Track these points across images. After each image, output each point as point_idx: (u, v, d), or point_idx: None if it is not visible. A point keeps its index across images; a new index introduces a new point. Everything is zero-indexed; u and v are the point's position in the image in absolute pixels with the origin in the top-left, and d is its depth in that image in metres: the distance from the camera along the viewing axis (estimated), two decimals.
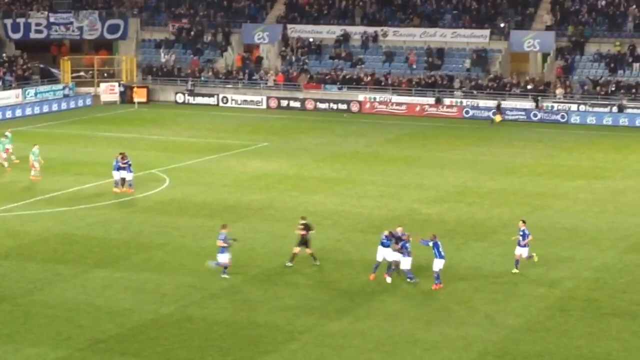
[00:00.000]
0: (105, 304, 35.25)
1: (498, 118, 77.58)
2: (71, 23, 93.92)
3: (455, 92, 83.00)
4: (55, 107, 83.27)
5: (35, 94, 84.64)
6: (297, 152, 65.01)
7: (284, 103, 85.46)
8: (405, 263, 37.37)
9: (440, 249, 37.16)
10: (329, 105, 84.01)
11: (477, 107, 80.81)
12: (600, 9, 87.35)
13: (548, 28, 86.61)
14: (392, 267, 37.71)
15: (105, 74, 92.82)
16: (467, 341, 31.97)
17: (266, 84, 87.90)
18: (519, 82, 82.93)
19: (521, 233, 38.99)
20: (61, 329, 32.77)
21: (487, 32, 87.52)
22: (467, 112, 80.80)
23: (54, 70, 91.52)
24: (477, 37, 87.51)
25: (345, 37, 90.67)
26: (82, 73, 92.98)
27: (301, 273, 38.89)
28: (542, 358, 30.79)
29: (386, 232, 38.09)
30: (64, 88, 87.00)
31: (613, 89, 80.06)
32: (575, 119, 78.39)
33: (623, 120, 77.51)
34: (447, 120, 79.56)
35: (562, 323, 33.68)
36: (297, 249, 39.49)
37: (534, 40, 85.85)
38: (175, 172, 58.02)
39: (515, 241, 39.43)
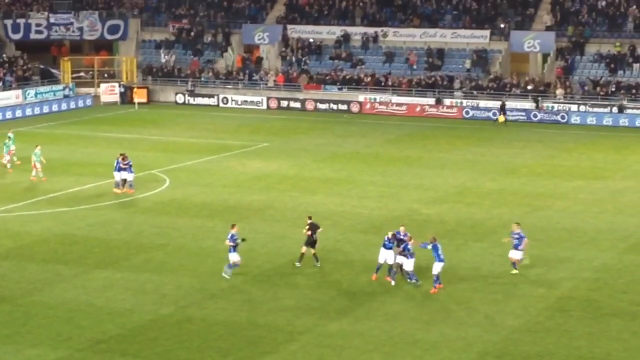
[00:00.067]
0: (106, 304, 35.29)
1: (501, 118, 77.48)
2: (71, 23, 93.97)
3: (455, 93, 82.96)
4: (55, 108, 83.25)
5: (36, 94, 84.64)
6: (297, 152, 64.99)
7: (284, 103, 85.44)
8: (409, 264, 37.28)
9: (440, 252, 36.91)
10: (329, 106, 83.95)
11: (477, 108, 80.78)
12: (600, 10, 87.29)
13: (548, 28, 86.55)
14: (394, 270, 37.66)
15: (106, 75, 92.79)
16: (466, 342, 31.99)
17: (266, 84, 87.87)
18: (519, 82, 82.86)
19: (516, 236, 38.81)
20: (61, 329, 32.81)
21: (487, 32, 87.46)
22: (467, 113, 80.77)
23: (54, 70, 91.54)
24: (477, 38, 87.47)
25: (346, 37, 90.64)
26: (82, 74, 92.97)
27: (301, 273, 38.90)
28: (541, 358, 30.80)
29: (389, 234, 37.97)
30: (64, 89, 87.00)
31: (613, 89, 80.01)
32: (575, 120, 78.34)
33: (623, 121, 77.45)
34: (447, 120, 79.53)
35: (561, 323, 33.69)
36: (304, 249, 39.56)
37: (534, 41, 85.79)
38: (175, 172, 58.04)
39: (506, 243, 39.34)
